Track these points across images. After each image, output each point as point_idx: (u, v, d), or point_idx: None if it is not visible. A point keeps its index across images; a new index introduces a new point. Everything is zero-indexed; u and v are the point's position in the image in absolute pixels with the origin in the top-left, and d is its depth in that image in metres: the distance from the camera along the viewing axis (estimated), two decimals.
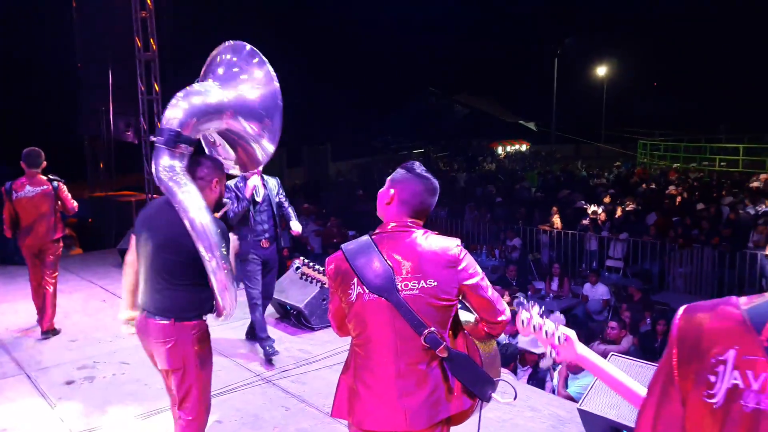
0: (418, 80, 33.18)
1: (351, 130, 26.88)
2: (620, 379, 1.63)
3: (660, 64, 40.81)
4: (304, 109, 21.85)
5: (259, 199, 5.00)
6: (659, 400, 0.99)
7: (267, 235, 5.05)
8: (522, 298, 1.88)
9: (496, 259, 11.57)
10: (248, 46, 3.13)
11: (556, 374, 5.51)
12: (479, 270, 2.10)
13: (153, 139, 2.87)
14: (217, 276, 2.70)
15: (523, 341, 6.44)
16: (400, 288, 1.99)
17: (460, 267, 2.03)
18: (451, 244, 2.06)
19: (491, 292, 2.10)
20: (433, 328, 1.97)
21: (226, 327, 5.91)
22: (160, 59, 9.04)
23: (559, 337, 1.73)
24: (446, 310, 2.02)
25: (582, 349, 1.73)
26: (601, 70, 37.27)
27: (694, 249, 9.97)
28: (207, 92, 2.97)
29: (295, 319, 5.90)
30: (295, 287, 5.92)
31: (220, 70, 3.10)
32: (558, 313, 1.81)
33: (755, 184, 16.40)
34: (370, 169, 24.90)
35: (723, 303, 0.97)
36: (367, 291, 2.01)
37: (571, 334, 1.74)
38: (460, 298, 2.09)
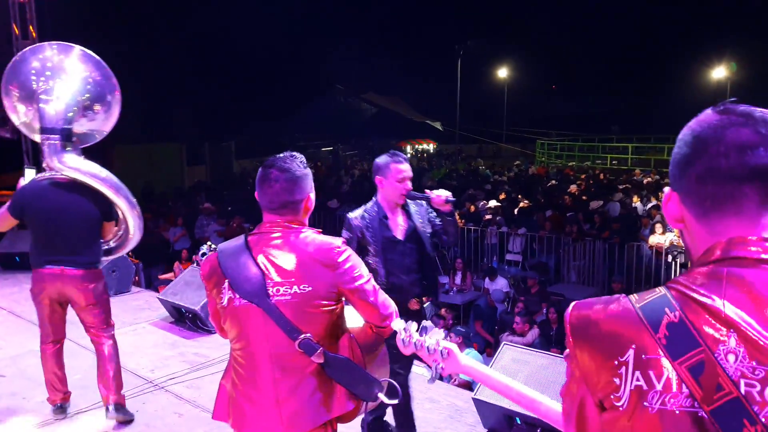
0: (325, 78, 33.09)
1: (256, 128, 26.32)
2: (506, 383, 1.63)
3: (557, 68, 42.99)
4: (206, 106, 21.17)
5: (399, 235, 3.21)
6: (573, 401, 0.96)
7: (415, 291, 3.25)
8: (398, 320, 1.84)
9: None
10: (48, 44, 3.78)
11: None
12: (365, 272, 1.97)
13: (42, 137, 3.52)
14: (131, 208, 3.72)
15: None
16: (271, 293, 1.86)
17: (340, 270, 1.90)
18: (332, 246, 1.92)
19: (376, 296, 1.98)
20: (307, 334, 1.86)
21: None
22: None
23: (441, 352, 1.70)
24: (324, 315, 1.90)
25: (465, 359, 1.71)
26: (503, 73, 38.69)
27: (586, 242, 10.51)
28: (65, 90, 3.61)
29: (190, 322, 5.64)
30: (190, 289, 5.68)
31: (47, 71, 3.68)
32: (436, 329, 1.77)
33: (647, 179, 17.61)
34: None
35: (614, 301, 0.93)
36: (237, 296, 1.88)
37: (453, 347, 1.71)
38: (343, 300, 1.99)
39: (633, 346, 0.86)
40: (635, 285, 9.70)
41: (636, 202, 13.74)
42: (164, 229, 12.39)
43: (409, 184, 3.18)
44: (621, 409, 0.86)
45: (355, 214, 3.20)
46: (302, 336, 1.86)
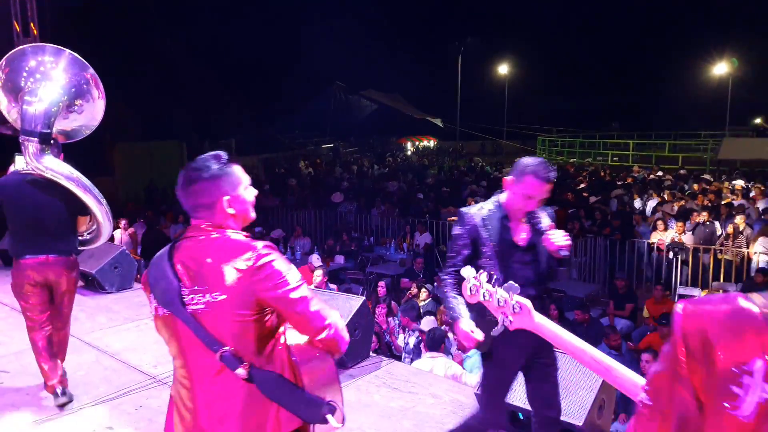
0: (324, 75, 33.10)
1: (256, 125, 26.34)
2: (579, 346, 1.58)
3: (557, 64, 42.99)
4: (206, 104, 21.17)
5: (519, 242, 2.85)
6: (670, 404, 0.88)
7: (535, 307, 2.98)
8: (468, 267, 1.78)
9: (405, 253, 11.68)
10: (46, 46, 4.08)
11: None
12: (291, 279, 1.77)
13: (22, 138, 3.77)
14: (99, 205, 4.00)
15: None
16: (186, 302, 1.75)
17: (258, 276, 1.73)
18: (249, 249, 1.76)
19: (305, 305, 1.77)
20: (228, 347, 1.73)
21: (117, 329, 5.61)
22: None
23: (513, 306, 1.67)
24: (245, 326, 1.74)
25: (539, 318, 1.66)
26: (503, 69, 38.66)
27: (587, 239, 10.52)
28: (48, 94, 3.87)
29: None
30: None
31: (38, 73, 3.95)
32: (512, 282, 1.72)
33: (651, 176, 17.59)
34: (275, 164, 24.56)
35: (732, 302, 0.86)
36: (160, 305, 1.81)
37: (527, 302, 1.68)
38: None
39: (759, 355, 0.81)
40: (636, 282, 9.71)
41: (635, 199, 13.74)
42: (166, 226, 12.44)
43: (536, 205, 2.77)
44: (744, 420, 0.80)
45: (471, 210, 2.84)
46: (223, 349, 1.73)
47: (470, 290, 1.72)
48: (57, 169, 3.87)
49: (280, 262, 1.78)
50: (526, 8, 46.08)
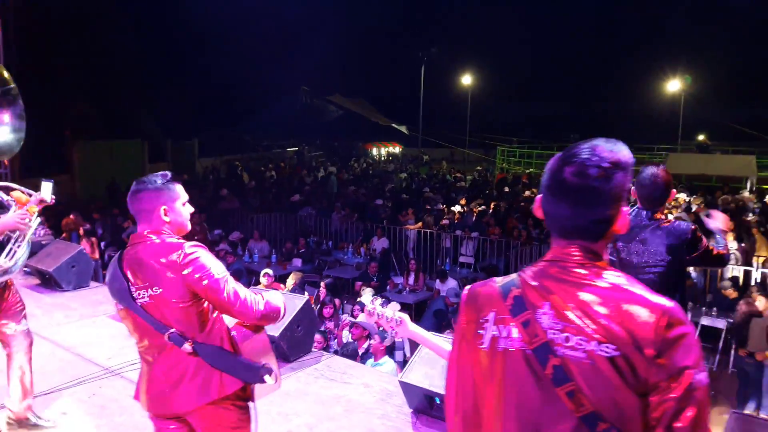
0: (291, 79, 33.28)
1: (220, 126, 26.42)
2: (441, 345, 2.13)
3: (520, 76, 44.08)
4: (170, 103, 21.21)
5: None
6: (458, 350, 1.40)
7: None
8: (367, 295, 2.36)
9: (362, 257, 12.03)
10: None
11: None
12: (214, 271, 2.16)
13: None
14: None
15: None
16: (135, 297, 2.18)
17: (185, 271, 2.12)
18: (174, 249, 2.17)
19: (230, 293, 2.16)
20: (174, 329, 2.16)
21: (74, 325, 5.86)
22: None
23: (396, 320, 2.21)
24: (184, 311, 2.17)
25: (413, 327, 2.22)
26: (466, 80, 39.44)
27: (533, 246, 11.07)
28: None
29: None
30: None
31: None
32: (394, 303, 2.29)
33: None
34: (237, 167, 24.72)
35: (488, 282, 1.42)
36: (117, 301, 2.25)
37: (405, 317, 2.22)
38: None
39: (493, 310, 1.35)
40: None
41: None
42: (129, 225, 12.51)
43: None
44: (484, 350, 1.34)
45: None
46: (170, 331, 2.16)
47: (369, 312, 2.25)
48: None
49: (205, 258, 2.19)
50: (490, 21, 47.19)
